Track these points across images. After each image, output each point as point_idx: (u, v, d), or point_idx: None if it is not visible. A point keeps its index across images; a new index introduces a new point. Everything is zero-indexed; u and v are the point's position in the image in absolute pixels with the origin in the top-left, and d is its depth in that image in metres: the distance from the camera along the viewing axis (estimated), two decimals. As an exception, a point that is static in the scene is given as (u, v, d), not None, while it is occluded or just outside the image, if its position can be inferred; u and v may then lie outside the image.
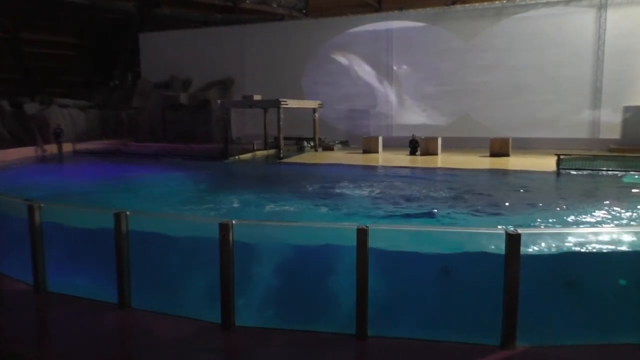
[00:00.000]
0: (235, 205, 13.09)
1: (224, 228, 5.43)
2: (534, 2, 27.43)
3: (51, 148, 27.21)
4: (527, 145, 25.13)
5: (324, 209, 12.48)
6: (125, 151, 28.24)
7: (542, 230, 8.96)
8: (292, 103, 25.63)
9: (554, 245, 6.21)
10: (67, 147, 28.02)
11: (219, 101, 28.56)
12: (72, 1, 35.53)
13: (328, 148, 27.66)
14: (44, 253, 6.61)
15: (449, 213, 11.93)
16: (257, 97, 26.60)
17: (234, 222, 5.47)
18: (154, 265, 6.40)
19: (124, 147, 29.49)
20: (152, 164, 23.02)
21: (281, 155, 24.31)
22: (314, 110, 27.36)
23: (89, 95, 36.55)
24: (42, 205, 6.66)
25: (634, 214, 11.54)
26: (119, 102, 35.79)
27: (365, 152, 25.56)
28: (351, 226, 5.22)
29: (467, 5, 30.20)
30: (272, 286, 5.95)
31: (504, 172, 19.36)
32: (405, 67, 29.78)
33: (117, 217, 5.98)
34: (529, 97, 26.61)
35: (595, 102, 25.90)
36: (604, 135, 25.46)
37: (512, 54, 26.96)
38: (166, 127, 33.23)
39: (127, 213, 6.03)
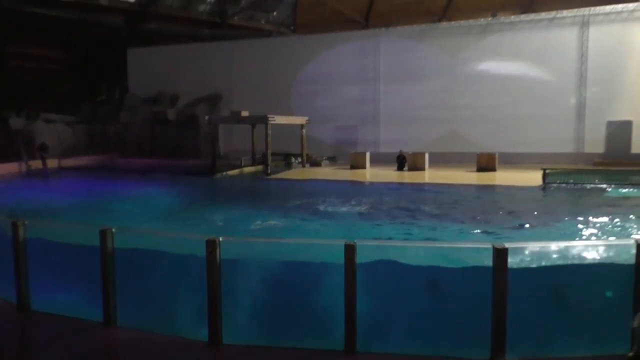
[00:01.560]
0: (221, 223, 12.99)
1: (211, 245, 5.40)
2: (518, 19, 27.99)
3: (36, 164, 26.92)
4: (514, 160, 25.40)
5: (316, 227, 12.44)
6: (111, 167, 28.04)
7: (529, 244, 9.01)
8: (279, 119, 25.69)
9: (541, 258, 6.25)
10: (53, 162, 27.72)
11: (206, 117, 28.54)
12: (59, 16, 35.49)
13: (316, 164, 27.71)
14: (27, 271, 6.50)
15: (437, 227, 11.98)
16: (244, 113, 26.64)
17: (220, 238, 5.44)
18: (140, 282, 6.33)
19: (111, 162, 29.28)
20: (139, 179, 22.86)
21: (269, 171, 24.29)
22: (302, 126, 27.45)
23: (76, 110, 36.35)
24: (26, 222, 6.57)
25: (619, 226, 11.68)
26: (106, 117, 35.63)
27: (352, 167, 25.64)
28: (338, 242, 5.21)
29: (452, 22, 30.69)
30: (260, 303, 5.91)
31: (492, 187, 19.53)
32: (392, 83, 30.05)
33: (103, 233, 5.91)
34: (515, 112, 26.94)
35: (580, 117, 26.33)
36: (588, 149, 25.84)
37: (498, 70, 27.37)
38: (154, 142, 33.10)
39: (113, 230, 5.97)
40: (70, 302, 6.47)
